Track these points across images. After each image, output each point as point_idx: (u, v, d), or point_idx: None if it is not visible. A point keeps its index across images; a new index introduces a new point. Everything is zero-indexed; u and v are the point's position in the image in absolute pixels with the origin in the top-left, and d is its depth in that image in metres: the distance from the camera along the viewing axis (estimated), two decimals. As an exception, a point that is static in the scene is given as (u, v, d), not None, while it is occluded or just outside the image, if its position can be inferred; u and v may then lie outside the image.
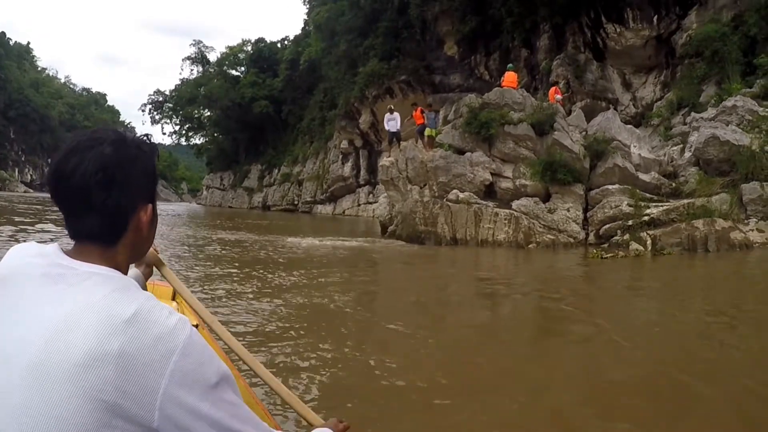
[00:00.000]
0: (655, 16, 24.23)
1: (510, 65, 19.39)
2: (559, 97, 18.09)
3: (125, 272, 1.07)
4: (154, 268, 1.95)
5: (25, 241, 1.21)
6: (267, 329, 5.64)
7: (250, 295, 7.38)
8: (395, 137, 19.14)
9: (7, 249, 1.08)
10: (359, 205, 44.16)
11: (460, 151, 16.17)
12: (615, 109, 25.25)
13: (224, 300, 6.99)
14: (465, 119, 16.13)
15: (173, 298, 3.21)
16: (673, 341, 5.48)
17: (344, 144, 45.66)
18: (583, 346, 5.40)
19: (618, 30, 25.17)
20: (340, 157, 47.01)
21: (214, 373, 0.96)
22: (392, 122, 18.87)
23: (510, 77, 17.40)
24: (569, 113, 17.52)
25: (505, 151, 15.73)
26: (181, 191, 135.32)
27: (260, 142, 65.18)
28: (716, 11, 21.85)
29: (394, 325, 6.04)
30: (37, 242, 1.07)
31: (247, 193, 66.56)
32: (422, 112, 18.59)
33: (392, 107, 19.70)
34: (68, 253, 1.03)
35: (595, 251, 12.27)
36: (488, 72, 32.25)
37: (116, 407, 0.87)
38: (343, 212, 45.70)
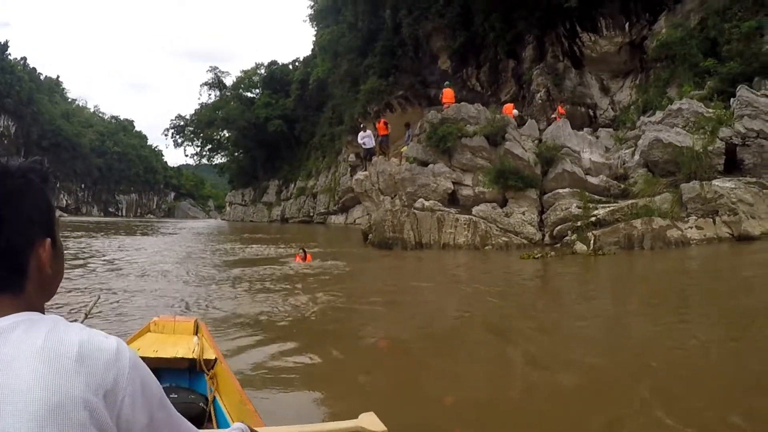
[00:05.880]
0: (627, 23, 25.16)
1: (447, 82, 20.79)
2: (516, 112, 19.37)
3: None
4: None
5: None
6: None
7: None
8: (369, 153, 20.42)
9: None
10: (368, 214, 45.59)
11: (424, 163, 17.53)
12: (594, 113, 26.50)
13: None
14: (426, 134, 17.52)
15: (195, 333, 3.29)
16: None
17: (352, 157, 47.38)
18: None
19: (593, 38, 26.22)
20: (349, 169, 48.79)
21: (157, 384, 0.96)
22: (366, 139, 20.09)
23: (447, 93, 18.84)
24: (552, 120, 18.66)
25: (463, 161, 17.06)
26: (209, 209, 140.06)
27: (276, 158, 68.32)
28: (684, 15, 22.55)
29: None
30: None
31: (267, 208, 69.97)
32: (385, 124, 19.91)
33: (365, 125, 20.90)
34: None
35: (528, 253, 13.27)
36: (480, 84, 33.55)
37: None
38: (354, 221, 47.27)
